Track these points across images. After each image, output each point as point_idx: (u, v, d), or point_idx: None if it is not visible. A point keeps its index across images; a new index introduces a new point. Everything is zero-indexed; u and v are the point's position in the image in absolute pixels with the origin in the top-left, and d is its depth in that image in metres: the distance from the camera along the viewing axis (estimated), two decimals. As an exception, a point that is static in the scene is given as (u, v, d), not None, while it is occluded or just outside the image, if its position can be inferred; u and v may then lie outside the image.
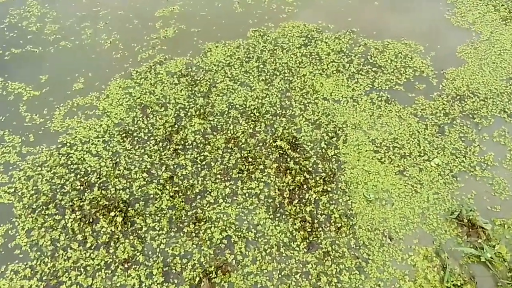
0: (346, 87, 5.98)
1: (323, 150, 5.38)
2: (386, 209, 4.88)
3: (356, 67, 6.25)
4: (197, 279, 4.27)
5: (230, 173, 5.06)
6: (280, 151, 5.29)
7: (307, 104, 5.81)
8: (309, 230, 4.68)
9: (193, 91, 5.89)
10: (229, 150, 5.29)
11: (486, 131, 5.60)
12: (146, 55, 6.54)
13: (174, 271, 4.34)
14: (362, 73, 6.17)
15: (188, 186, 4.94)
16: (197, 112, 5.65)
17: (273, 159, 5.21)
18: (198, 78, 6.06)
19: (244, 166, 5.12)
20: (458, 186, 5.07)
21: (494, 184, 5.08)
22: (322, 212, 4.83)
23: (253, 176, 5.03)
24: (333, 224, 4.73)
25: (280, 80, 6.05)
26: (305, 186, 5.02)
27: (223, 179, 5.01)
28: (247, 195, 4.92)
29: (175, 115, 5.63)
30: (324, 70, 6.22)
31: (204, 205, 4.81)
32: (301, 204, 4.88)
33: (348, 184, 5.08)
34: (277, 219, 4.75)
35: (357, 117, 5.68)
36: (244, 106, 5.76)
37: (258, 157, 5.18)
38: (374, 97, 5.89)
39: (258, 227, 4.69)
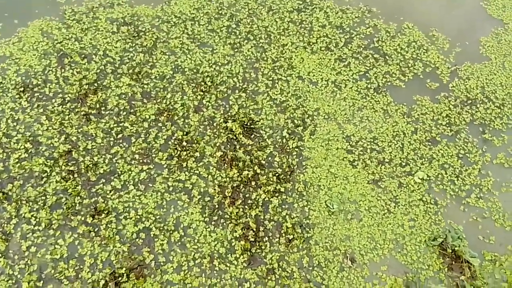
0: (331, 68, 4.87)
1: (284, 140, 4.30)
2: (351, 225, 3.87)
3: (353, 49, 5.12)
4: (102, 282, 3.23)
5: (154, 156, 3.94)
6: (229, 135, 4.20)
7: (277, 81, 4.70)
8: (253, 240, 3.67)
9: (133, 45, 4.69)
10: (159, 125, 4.16)
11: (494, 151, 4.57)
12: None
13: (57, 281, 3.27)
14: (359, 58, 5.05)
15: (91, 165, 3.80)
16: (130, 71, 4.47)
17: (217, 145, 4.11)
18: (143, 30, 4.85)
19: (175, 149, 4.00)
20: (442, 211, 4.07)
21: (492, 210, 4.12)
22: (271, 218, 3.80)
23: (185, 164, 3.93)
24: (283, 235, 3.72)
25: (252, 46, 4.90)
26: (253, 183, 3.96)
27: (141, 161, 3.90)
28: (172, 188, 3.83)
29: (99, 70, 4.42)
30: (310, 44, 5.08)
31: (108, 192, 3.71)
32: (246, 207, 3.84)
33: (307, 187, 4.04)
34: (213, 223, 3.70)
35: (334, 105, 4.61)
36: (195, 71, 4.61)
37: (197, 140, 4.07)
38: (361, 85, 4.81)
39: (188, 230, 3.64)
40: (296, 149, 4.27)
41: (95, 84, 4.32)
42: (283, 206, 3.91)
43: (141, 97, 4.32)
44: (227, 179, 3.94)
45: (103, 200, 3.66)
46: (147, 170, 3.88)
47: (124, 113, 4.18)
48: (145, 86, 4.41)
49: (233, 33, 5.01)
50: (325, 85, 4.75)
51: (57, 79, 4.31)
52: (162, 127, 4.17)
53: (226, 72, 4.65)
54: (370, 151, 4.39)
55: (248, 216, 3.79)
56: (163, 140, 4.09)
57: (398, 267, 3.70)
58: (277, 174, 4.07)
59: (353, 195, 4.08)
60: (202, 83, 4.52)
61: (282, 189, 4.00)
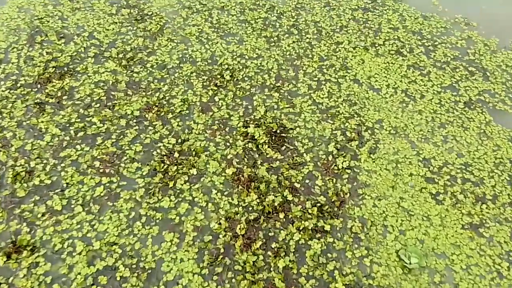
0: (401, 75, 3.60)
1: (330, 158, 2.96)
2: None
3: (437, 57, 3.83)
4: None
5: (123, 165, 2.72)
6: (248, 145, 2.94)
7: (324, 82, 3.47)
8: None
9: (133, 28, 3.70)
10: (144, 124, 2.98)
11: None
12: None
13: None
14: (445, 68, 3.74)
15: (22, 173, 2.60)
16: (120, 55, 3.41)
17: (229, 157, 2.86)
18: (150, 13, 3.88)
19: (161, 161, 2.77)
20: None
21: None
22: (310, 274, 2.40)
23: (172, 184, 2.67)
24: None
25: (294, 41, 3.78)
26: (281, 216, 2.61)
27: (101, 171, 2.68)
28: (146, 219, 2.57)
29: (76, 52, 3.39)
30: (375, 45, 3.89)
31: (38, 216, 2.47)
32: (269, 253, 2.47)
33: (366, 226, 2.61)
34: (215, 278, 2.36)
35: (404, 117, 3.27)
36: (210, 62, 3.50)
37: (197, 151, 2.84)
38: (445, 97, 3.46)
39: (181, 280, 2.32)
40: (348, 171, 2.90)
41: (66, 68, 3.27)
42: (329, 255, 2.49)
43: (125, 87, 3.20)
44: (241, 208, 2.61)
45: (28, 229, 2.41)
46: (108, 184, 2.64)
47: (97, 105, 3.05)
48: (135, 74, 3.31)
49: (271, 26, 3.93)
50: (392, 93, 3.45)
51: (17, 59, 3.32)
52: (148, 128, 2.98)
53: (254, 67, 3.50)
54: (462, 182, 2.93)
55: (272, 269, 2.39)
56: (144, 145, 2.87)
57: None
58: (318, 205, 2.69)
59: (441, 246, 2.58)
60: (218, 76, 3.37)
61: (327, 227, 2.59)
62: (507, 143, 3.22)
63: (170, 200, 2.59)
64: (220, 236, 2.48)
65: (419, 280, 2.42)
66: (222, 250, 2.43)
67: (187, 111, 3.11)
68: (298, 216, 2.63)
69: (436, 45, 3.99)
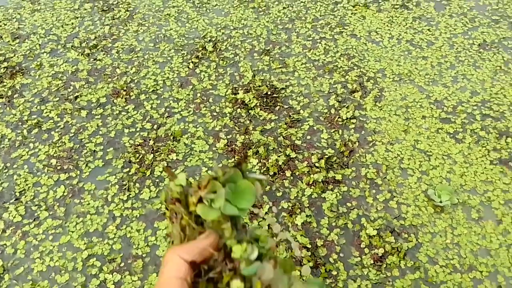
0: (406, 27, 3.41)
1: (332, 111, 2.75)
2: (484, 229, 2.11)
3: (450, 10, 3.59)
4: None
5: (84, 159, 2.50)
6: (237, 110, 2.74)
7: (319, 40, 3.29)
8: (311, 263, 2.02)
9: (101, 18, 3.54)
10: (111, 110, 2.78)
11: None
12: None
13: None
14: (458, 16, 3.51)
15: None
16: (83, 44, 3.23)
17: (218, 130, 2.64)
18: (116, 2, 3.71)
19: (136, 152, 2.54)
20: None
21: None
22: (333, 225, 2.17)
23: (149, 173, 2.44)
24: (366, 251, 2.04)
25: (285, 8, 3.61)
26: (288, 174, 2.38)
27: (59, 168, 2.46)
28: (125, 216, 2.38)
29: (29, 50, 3.19)
30: (378, 1, 3.68)
31: None
32: (283, 214, 2.24)
33: (382, 172, 2.38)
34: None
35: (407, 64, 3.07)
36: (191, 37, 3.33)
37: (175, 134, 2.63)
38: (457, 42, 3.25)
39: None
40: (354, 121, 2.67)
41: (18, 67, 3.08)
42: (348, 204, 2.24)
43: (87, 75, 3.01)
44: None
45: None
46: (68, 181, 2.42)
47: (56, 99, 2.85)
48: (98, 62, 3.12)
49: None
50: (396, 43, 3.24)
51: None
52: (118, 115, 2.75)
53: (240, 36, 3.32)
54: (481, 119, 2.68)
55: (291, 228, 2.15)
56: (113, 134, 2.65)
57: None
58: (326, 157, 2.45)
59: (470, 182, 2.32)
60: (200, 49, 3.19)
61: (338, 177, 2.35)
62: (526, 76, 2.98)
63: (150, 191, 2.33)
64: None
65: (454, 217, 2.16)
66: None
67: (163, 89, 2.89)
68: (306, 172, 2.40)
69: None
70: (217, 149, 2.53)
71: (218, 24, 3.43)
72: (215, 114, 2.73)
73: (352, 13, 3.56)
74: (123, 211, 2.26)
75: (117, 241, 2.15)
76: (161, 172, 2.41)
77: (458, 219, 2.17)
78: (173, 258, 0.50)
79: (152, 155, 2.49)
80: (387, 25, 3.44)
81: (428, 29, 3.39)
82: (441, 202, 2.17)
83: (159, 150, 2.52)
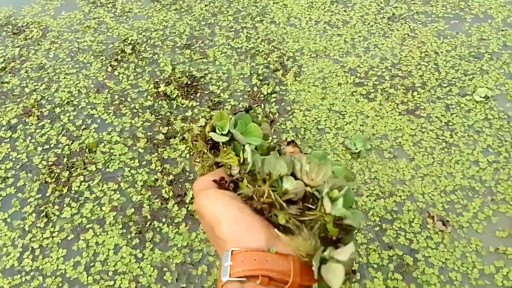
0: (323, 10, 3.67)
1: (255, 89, 2.93)
2: (399, 165, 2.31)
3: None
4: None
5: None
6: (160, 104, 2.87)
7: (240, 30, 3.50)
8: None
9: (12, 41, 3.55)
10: (24, 129, 2.76)
11: None
12: None
13: None
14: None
15: None
16: None
17: (137, 129, 2.75)
18: (25, 24, 3.73)
19: (50, 172, 2.53)
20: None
21: None
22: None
23: (67, 190, 2.48)
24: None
25: (207, 5, 3.81)
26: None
27: None
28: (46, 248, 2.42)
29: None
30: None
31: None
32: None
33: (300, 134, 2.56)
34: (146, 245, 2.21)
35: (323, 41, 3.32)
36: (109, 42, 3.45)
37: (90, 146, 2.71)
38: (368, 18, 3.54)
39: (106, 255, 2.16)
40: (275, 95, 2.87)
41: None
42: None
43: None
44: (162, 171, 2.47)
45: None
46: None
47: None
48: (6, 84, 3.11)
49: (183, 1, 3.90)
50: (313, 24, 3.49)
51: None
52: (32, 134, 2.75)
53: (160, 37, 3.48)
54: (391, 79, 2.94)
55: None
56: (24, 156, 2.62)
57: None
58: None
59: (381, 131, 2.54)
60: (119, 52, 3.32)
61: (260, 146, 2.51)
62: (432, 38, 3.29)
63: (71, 208, 2.33)
64: (144, 205, 2.31)
65: (369, 159, 2.38)
66: (149, 217, 2.26)
67: (77, 100, 2.94)
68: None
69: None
70: (137, 148, 2.61)
71: (139, 28, 3.59)
72: (135, 111, 2.83)
73: (274, 3, 3.81)
74: (42, 241, 2.20)
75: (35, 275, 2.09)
76: (79, 187, 2.41)
77: (373, 160, 2.40)
78: (200, 179, 0.65)
79: (67, 171, 2.48)
80: (307, 10, 3.71)
81: (344, 10, 3.69)
82: (356, 149, 2.39)
83: (74, 165, 2.52)
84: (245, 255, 0.51)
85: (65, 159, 2.55)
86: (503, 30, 3.34)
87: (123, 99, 2.93)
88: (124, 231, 2.20)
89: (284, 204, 0.55)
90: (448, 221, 2.16)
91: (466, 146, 2.49)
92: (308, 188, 0.57)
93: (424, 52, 3.18)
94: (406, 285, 1.98)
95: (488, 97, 2.77)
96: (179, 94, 2.91)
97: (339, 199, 0.55)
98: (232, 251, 0.52)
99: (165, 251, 2.12)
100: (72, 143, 2.65)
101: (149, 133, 2.68)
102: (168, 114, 2.80)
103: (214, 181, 0.63)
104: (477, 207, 2.21)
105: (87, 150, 2.60)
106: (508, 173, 2.36)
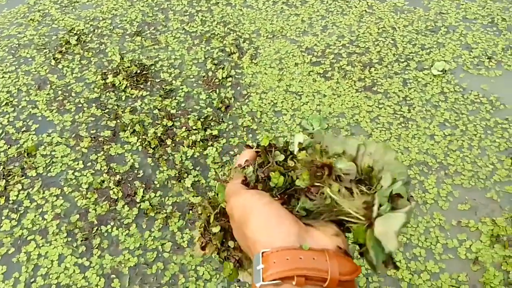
0: None
1: (210, 74, 2.83)
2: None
3: None
4: None
5: None
6: (108, 96, 2.75)
7: (195, 14, 3.38)
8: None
9: None
10: None
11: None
12: None
13: None
14: None
15: None
16: None
17: (81, 127, 2.61)
18: None
19: None
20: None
21: None
22: (222, 175, 2.22)
23: (4, 201, 2.36)
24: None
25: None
26: (169, 143, 2.42)
27: None
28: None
29: None
30: None
31: None
32: (172, 182, 2.27)
33: (257, 117, 2.50)
34: (94, 252, 2.10)
35: (280, 22, 3.23)
36: (52, 34, 3.27)
37: (29, 150, 2.49)
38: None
39: (50, 268, 2.04)
40: (230, 79, 2.78)
41: None
42: (231, 152, 2.34)
43: None
44: (109, 170, 2.35)
45: None
46: None
47: None
48: None
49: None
50: (270, 5, 3.41)
51: None
52: None
53: (108, 26, 3.32)
54: (348, 56, 2.90)
55: (184, 191, 2.18)
56: None
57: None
58: (203, 117, 2.53)
59: (338, 109, 2.50)
60: (64, 44, 3.15)
61: (215, 133, 2.43)
62: (389, 14, 3.25)
63: (11, 220, 2.16)
64: (90, 210, 2.20)
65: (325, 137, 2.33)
66: (96, 222, 2.15)
67: (16, 100, 2.75)
68: (185, 136, 2.46)
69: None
70: (81, 148, 2.46)
71: (86, 17, 3.43)
72: (80, 106, 2.69)
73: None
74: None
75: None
76: (17, 196, 2.24)
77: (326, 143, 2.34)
78: (230, 184, 0.64)
79: (4, 180, 2.31)
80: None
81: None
82: (313, 129, 2.34)
83: (11, 172, 2.35)
84: (277, 255, 0.48)
85: (1, 167, 2.38)
86: (463, 4, 3.33)
87: (67, 94, 2.78)
88: (69, 239, 2.08)
89: (342, 174, 0.56)
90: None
91: (423, 120, 2.48)
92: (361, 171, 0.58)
93: (382, 28, 3.14)
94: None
95: (445, 71, 2.76)
96: (128, 84, 2.78)
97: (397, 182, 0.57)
98: (262, 252, 0.49)
99: (116, 256, 2.02)
100: (9, 148, 2.47)
101: (93, 130, 2.55)
102: (116, 107, 2.67)
103: (243, 182, 0.63)
104: (432, 184, 2.20)
105: (25, 155, 2.43)
106: (460, 144, 2.36)
